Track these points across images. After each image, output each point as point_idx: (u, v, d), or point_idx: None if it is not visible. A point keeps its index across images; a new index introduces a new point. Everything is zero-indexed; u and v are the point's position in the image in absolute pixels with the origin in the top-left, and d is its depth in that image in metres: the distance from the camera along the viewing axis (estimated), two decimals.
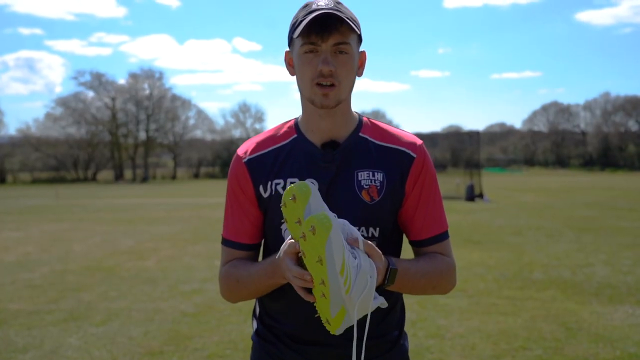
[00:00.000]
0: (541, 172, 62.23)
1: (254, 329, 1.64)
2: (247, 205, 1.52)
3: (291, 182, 1.46)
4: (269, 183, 1.49)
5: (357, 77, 1.48)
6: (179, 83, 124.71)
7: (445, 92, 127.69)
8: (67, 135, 56.90)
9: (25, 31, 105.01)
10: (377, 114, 75.95)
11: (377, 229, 1.47)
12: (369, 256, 1.26)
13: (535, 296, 5.82)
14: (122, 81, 65.51)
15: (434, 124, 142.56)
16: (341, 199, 1.45)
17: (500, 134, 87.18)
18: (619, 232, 10.61)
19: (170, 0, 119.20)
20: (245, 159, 1.52)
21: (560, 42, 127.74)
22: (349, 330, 1.33)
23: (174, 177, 59.56)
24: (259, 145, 1.53)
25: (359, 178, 1.46)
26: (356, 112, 1.55)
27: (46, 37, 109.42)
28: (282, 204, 1.30)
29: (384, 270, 1.32)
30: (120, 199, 24.91)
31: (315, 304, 1.31)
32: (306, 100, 1.47)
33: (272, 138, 1.54)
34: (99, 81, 57.80)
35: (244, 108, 68.11)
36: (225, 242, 1.56)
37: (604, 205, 16.63)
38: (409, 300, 5.89)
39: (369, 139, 1.51)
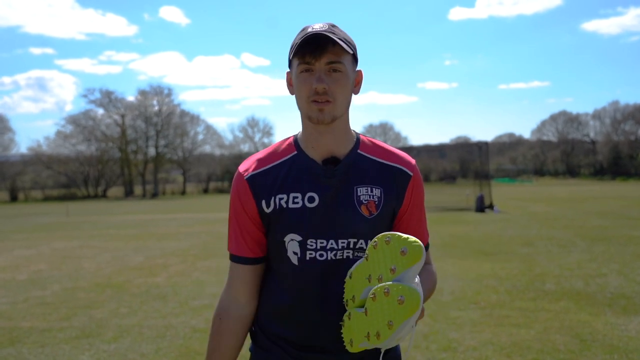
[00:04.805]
0: (551, 182, 61.85)
1: (252, 338, 1.68)
2: (248, 222, 1.57)
3: (294, 197, 1.52)
4: (272, 198, 1.54)
5: (353, 95, 1.55)
6: (187, 99, 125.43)
7: (453, 103, 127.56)
8: (77, 152, 57.37)
9: (36, 51, 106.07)
10: (385, 126, 75.99)
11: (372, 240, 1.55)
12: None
13: (547, 307, 5.76)
14: (131, 98, 66.01)
15: (443, 136, 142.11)
16: (342, 214, 1.52)
17: (509, 144, 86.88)
18: (632, 241, 10.51)
19: (180, 18, 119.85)
20: (247, 176, 1.57)
21: (568, 52, 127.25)
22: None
23: (183, 193, 59.72)
24: (260, 162, 1.59)
25: (359, 193, 1.54)
26: (354, 131, 1.62)
27: (57, 56, 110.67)
28: (387, 239, 1.37)
29: None
30: (130, 215, 25.02)
31: (347, 320, 1.43)
32: (304, 118, 1.53)
33: (273, 155, 1.60)
34: (108, 98, 58.34)
35: (253, 123, 68.44)
36: (231, 256, 1.63)
37: (615, 215, 16.49)
38: None
39: (368, 156, 1.59)
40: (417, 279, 1.36)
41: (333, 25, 1.49)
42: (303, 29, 1.50)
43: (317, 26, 1.48)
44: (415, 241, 1.32)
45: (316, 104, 1.46)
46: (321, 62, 1.45)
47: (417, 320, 1.36)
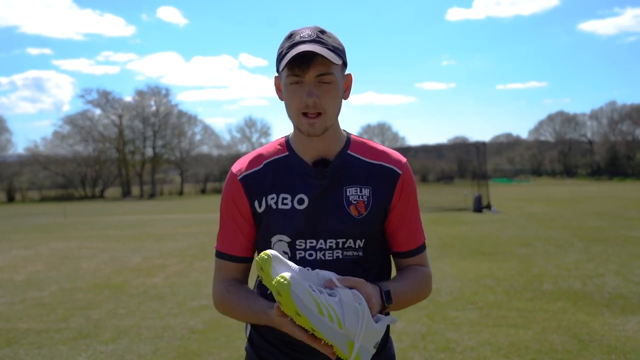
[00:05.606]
0: (549, 182, 61.94)
1: (248, 338, 1.69)
2: (241, 222, 1.60)
3: (283, 198, 1.55)
4: (264, 198, 1.56)
5: (343, 100, 1.55)
6: (185, 99, 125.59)
7: (451, 103, 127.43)
8: (74, 153, 57.20)
9: (33, 51, 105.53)
10: (383, 126, 76.02)
11: (363, 240, 1.55)
12: (351, 288, 1.35)
13: (545, 308, 5.77)
14: (128, 98, 65.90)
15: (440, 136, 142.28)
16: (331, 214, 1.53)
17: (506, 145, 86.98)
18: (629, 241, 10.53)
19: (178, 19, 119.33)
20: (240, 177, 1.59)
21: (565, 53, 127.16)
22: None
23: (181, 193, 59.63)
24: (252, 162, 1.61)
25: (348, 194, 1.55)
26: (344, 130, 1.63)
27: (54, 56, 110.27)
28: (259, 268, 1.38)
29: (378, 294, 1.41)
30: (127, 215, 24.99)
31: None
32: (295, 127, 1.54)
33: (265, 155, 1.62)
34: (105, 99, 58.20)
35: (250, 123, 68.44)
36: (219, 254, 1.64)
37: (613, 215, 16.52)
38: (418, 314, 5.81)
39: (357, 156, 1.59)
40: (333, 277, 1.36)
41: (322, 32, 1.48)
42: (290, 36, 1.48)
43: (305, 33, 1.46)
44: (260, 255, 1.35)
45: (307, 118, 1.47)
46: (310, 74, 1.44)
47: (386, 323, 1.36)
